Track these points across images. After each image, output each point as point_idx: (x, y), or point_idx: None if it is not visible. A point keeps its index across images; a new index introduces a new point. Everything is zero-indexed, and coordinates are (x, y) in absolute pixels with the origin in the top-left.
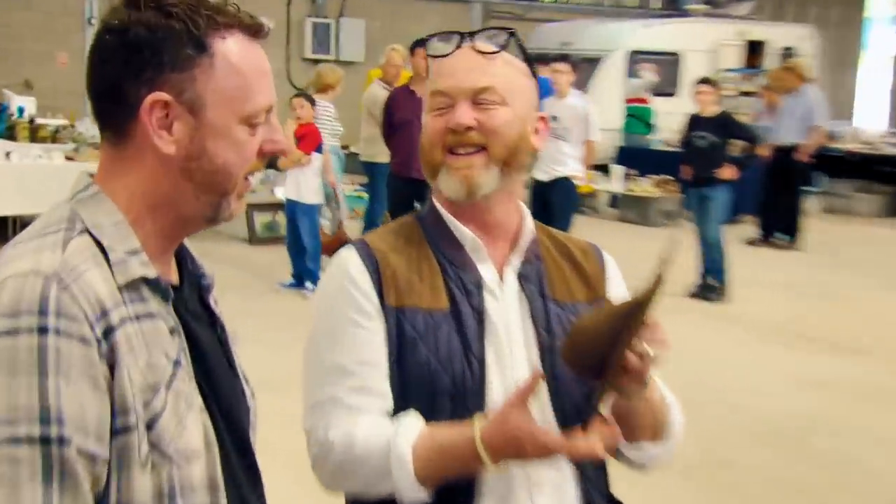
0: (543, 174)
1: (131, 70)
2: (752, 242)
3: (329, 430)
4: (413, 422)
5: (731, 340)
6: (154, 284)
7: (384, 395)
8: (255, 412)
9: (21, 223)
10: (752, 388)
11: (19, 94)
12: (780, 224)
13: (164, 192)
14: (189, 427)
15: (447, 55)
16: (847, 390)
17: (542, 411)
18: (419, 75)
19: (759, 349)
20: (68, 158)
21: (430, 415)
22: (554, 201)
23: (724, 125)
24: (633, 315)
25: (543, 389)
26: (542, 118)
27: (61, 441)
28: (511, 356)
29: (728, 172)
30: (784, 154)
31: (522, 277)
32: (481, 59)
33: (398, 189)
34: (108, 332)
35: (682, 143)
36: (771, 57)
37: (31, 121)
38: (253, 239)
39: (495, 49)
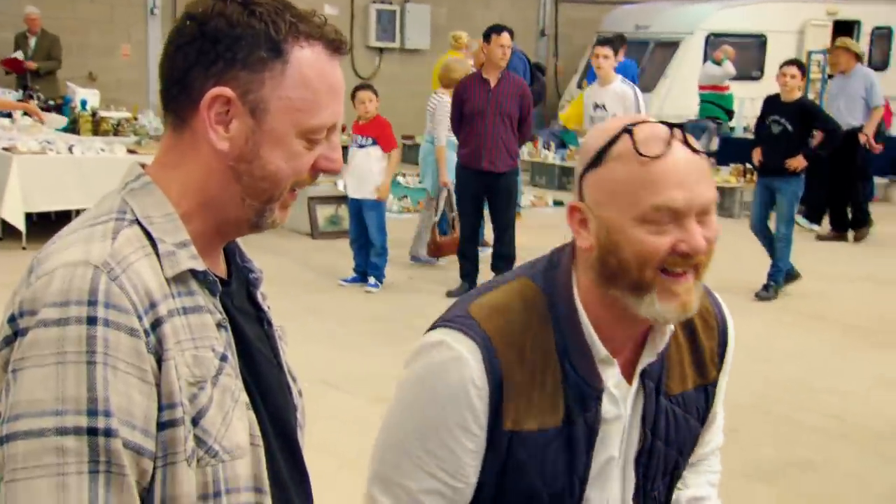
0: None
1: (203, 60)
2: (821, 237)
3: None
4: None
5: (811, 338)
6: (202, 277)
7: None
8: (302, 411)
9: None
10: (831, 387)
11: (83, 86)
12: (843, 215)
13: (214, 189)
14: (235, 423)
15: (660, 156)
16: None
17: None
18: (494, 63)
19: (840, 346)
20: (130, 151)
21: None
22: None
23: (803, 112)
24: None
25: (630, 487)
26: None
27: (108, 433)
28: (619, 461)
29: (796, 163)
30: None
31: (645, 374)
32: (698, 160)
33: (467, 181)
34: (156, 324)
35: (755, 127)
36: (864, 38)
37: (94, 114)
38: (315, 233)
39: (702, 149)
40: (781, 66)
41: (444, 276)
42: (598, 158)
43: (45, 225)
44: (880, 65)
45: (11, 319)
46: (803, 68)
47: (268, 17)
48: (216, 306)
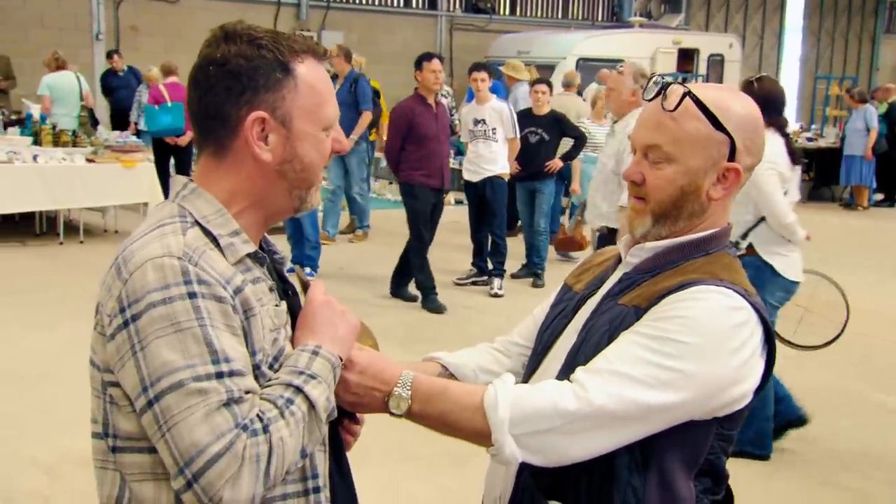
0: (474, 175)
1: (233, 95)
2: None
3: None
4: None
5: None
6: (254, 256)
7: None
8: None
9: (46, 217)
10: None
11: (36, 103)
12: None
13: (260, 190)
14: None
15: (649, 100)
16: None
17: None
18: (429, 88)
19: None
20: (89, 160)
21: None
22: (489, 199)
23: (556, 123)
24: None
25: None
26: (731, 169)
27: (231, 373)
28: (573, 332)
29: (554, 165)
30: None
31: (619, 282)
32: (663, 116)
33: (425, 199)
34: (237, 291)
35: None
36: (702, 63)
37: (54, 127)
38: None
39: (671, 108)
40: (532, 85)
41: (368, 267)
42: None
43: (8, 224)
44: None
45: (121, 311)
46: (550, 86)
47: (272, 46)
48: (266, 274)
